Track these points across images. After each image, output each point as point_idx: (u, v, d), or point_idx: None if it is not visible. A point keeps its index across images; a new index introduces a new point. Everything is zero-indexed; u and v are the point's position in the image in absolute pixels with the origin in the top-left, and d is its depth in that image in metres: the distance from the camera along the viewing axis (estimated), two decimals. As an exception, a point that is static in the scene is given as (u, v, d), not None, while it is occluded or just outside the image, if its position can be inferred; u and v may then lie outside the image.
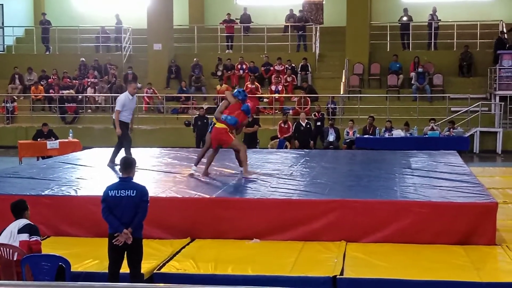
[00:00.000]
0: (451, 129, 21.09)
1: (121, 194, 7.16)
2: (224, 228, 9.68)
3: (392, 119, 21.82)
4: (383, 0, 29.37)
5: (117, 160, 12.45)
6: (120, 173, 7.52)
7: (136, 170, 7.80)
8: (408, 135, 20.83)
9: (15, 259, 7.22)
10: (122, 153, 12.82)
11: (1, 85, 27.27)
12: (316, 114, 22.13)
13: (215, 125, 11.78)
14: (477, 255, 8.81)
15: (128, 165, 7.40)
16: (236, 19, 29.03)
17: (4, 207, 8.86)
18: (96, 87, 26.16)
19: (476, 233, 9.28)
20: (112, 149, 13.55)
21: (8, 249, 7.25)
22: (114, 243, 7.16)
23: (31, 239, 7.32)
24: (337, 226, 9.49)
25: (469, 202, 9.67)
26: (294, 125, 21.09)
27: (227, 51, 28.40)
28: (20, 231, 7.37)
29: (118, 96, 13.82)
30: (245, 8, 29.53)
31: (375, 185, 11.02)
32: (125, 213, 7.14)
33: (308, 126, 20.75)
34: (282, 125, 21.35)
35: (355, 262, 8.49)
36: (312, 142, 20.77)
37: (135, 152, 13.20)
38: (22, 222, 7.46)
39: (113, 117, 13.43)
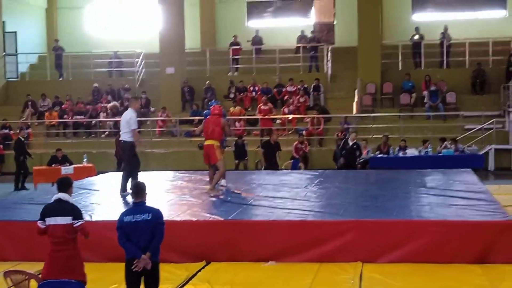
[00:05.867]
0: (452, 145, 20.89)
1: (137, 219, 7.15)
2: (240, 251, 9.66)
3: (405, 138, 21.74)
4: (394, 19, 29.41)
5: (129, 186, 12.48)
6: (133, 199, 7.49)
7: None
8: (423, 153, 20.73)
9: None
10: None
11: (16, 112, 27.46)
12: (339, 134, 22.01)
13: (205, 143, 12.93)
14: (495, 273, 8.73)
15: (140, 189, 7.39)
16: (248, 41, 29.17)
17: (20, 233, 8.89)
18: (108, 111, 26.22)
19: (493, 252, 9.20)
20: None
21: (24, 276, 7.24)
22: (134, 269, 7.12)
23: (76, 225, 7.27)
24: (353, 247, 9.44)
25: (485, 220, 9.61)
26: (341, 143, 20.75)
27: (229, 73, 28.48)
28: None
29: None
30: (257, 30, 29.69)
31: (390, 204, 10.98)
32: (142, 237, 7.12)
33: (355, 146, 20.41)
34: (299, 145, 21.39)
35: (372, 283, 8.44)
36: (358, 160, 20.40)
37: (149, 176, 13.20)
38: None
39: (131, 138, 12.55)
